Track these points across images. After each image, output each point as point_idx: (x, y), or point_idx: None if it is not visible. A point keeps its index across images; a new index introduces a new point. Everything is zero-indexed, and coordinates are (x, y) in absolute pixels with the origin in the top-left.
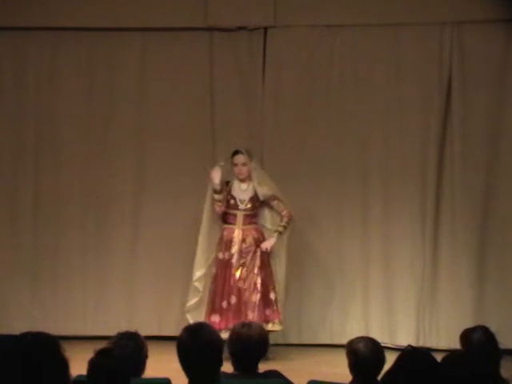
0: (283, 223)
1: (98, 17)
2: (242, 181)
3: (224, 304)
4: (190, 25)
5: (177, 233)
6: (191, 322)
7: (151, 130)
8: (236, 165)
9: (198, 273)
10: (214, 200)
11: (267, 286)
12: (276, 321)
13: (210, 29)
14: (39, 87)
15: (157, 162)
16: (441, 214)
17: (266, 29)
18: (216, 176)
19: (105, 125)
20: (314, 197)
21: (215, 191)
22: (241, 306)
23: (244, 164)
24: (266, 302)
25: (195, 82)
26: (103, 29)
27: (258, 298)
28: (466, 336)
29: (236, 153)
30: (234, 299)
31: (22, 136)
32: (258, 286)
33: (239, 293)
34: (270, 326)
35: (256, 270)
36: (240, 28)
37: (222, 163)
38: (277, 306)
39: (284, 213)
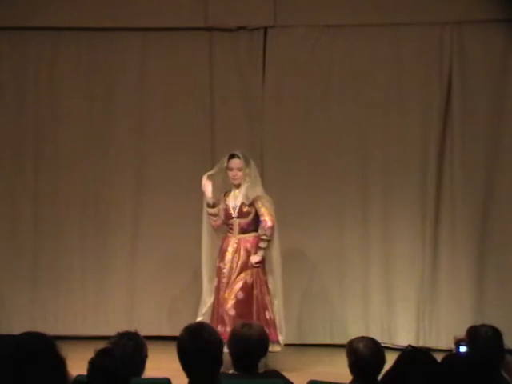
0: (264, 237)
1: (98, 17)
2: (236, 187)
3: (226, 316)
4: (190, 25)
5: (177, 233)
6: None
7: (151, 130)
8: (231, 169)
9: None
10: (208, 214)
11: (263, 303)
12: (274, 342)
13: (210, 29)
14: (39, 87)
15: (157, 162)
16: (441, 214)
17: (266, 29)
18: (207, 188)
19: (105, 125)
20: (313, 197)
21: (208, 205)
22: (239, 318)
23: (239, 169)
24: (261, 322)
25: (195, 82)
26: (103, 29)
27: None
28: (473, 330)
29: (232, 156)
30: (229, 311)
31: (22, 136)
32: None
33: (234, 305)
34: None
35: (245, 285)
36: (240, 28)
37: (212, 171)
38: (274, 325)
39: (263, 222)
